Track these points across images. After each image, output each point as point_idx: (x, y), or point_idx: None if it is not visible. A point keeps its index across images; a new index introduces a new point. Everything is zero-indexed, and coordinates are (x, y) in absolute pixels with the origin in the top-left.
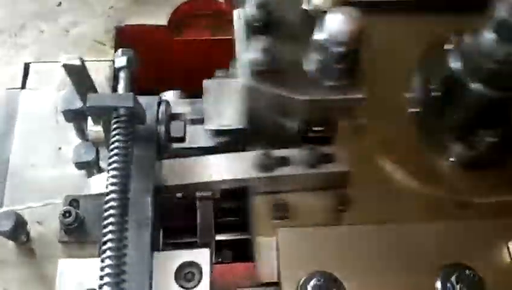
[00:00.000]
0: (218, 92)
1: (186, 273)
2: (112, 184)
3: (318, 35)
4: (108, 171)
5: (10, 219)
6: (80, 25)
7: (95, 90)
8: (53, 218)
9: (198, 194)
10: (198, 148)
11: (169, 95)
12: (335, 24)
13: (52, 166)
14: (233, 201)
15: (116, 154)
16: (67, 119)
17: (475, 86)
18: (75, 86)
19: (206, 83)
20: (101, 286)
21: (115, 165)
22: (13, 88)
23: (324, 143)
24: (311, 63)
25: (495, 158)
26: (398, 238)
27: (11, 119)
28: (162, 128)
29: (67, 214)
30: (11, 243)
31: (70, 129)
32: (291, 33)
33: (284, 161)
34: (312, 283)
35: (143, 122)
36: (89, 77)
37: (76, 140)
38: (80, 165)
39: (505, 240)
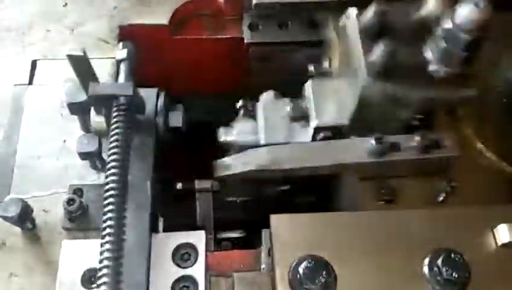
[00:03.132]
0: (321, 91)
1: (183, 253)
2: (112, 167)
3: (447, 24)
4: (108, 156)
5: (17, 206)
6: (84, 24)
7: (96, 81)
8: (58, 206)
9: (197, 186)
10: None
11: (269, 95)
12: (466, 12)
13: (57, 157)
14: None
15: (116, 140)
16: (72, 112)
17: None
18: (78, 76)
19: (308, 83)
20: (100, 264)
21: (114, 150)
22: (21, 84)
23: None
24: (434, 52)
25: None
26: (387, 225)
27: (19, 113)
28: (160, 119)
29: (71, 202)
30: (17, 229)
31: (74, 123)
32: (406, 37)
33: (394, 147)
34: (303, 265)
35: (142, 112)
36: (91, 67)
37: (80, 133)
38: (83, 155)
39: (490, 226)
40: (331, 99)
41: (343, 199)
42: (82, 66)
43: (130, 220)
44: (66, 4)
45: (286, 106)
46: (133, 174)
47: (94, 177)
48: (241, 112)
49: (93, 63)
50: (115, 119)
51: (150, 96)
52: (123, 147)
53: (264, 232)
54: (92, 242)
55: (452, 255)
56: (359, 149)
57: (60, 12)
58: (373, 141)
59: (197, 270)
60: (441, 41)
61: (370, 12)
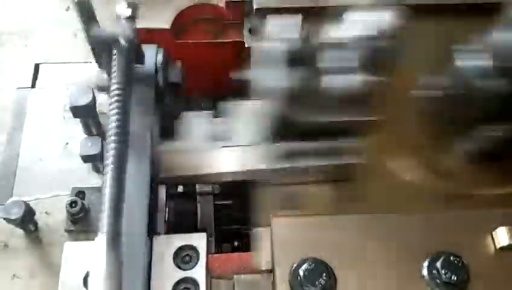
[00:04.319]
0: (236, 113)
1: (184, 255)
2: (115, 114)
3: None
4: (110, 103)
5: (20, 208)
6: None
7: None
8: (60, 209)
9: (198, 189)
10: None
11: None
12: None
13: (59, 160)
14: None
15: (118, 76)
16: (75, 115)
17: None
18: (82, 22)
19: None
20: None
21: (117, 92)
22: (24, 87)
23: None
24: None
25: (499, 152)
26: (387, 227)
27: (21, 116)
28: (160, 73)
29: (73, 204)
30: (20, 231)
31: (76, 125)
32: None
33: (298, 153)
34: (304, 267)
35: (142, 61)
36: (94, 14)
37: (83, 136)
38: (86, 158)
39: (489, 230)
40: (248, 121)
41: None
42: (86, 12)
43: (130, 170)
44: (69, 8)
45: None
46: (133, 125)
47: (96, 180)
48: None
49: (96, 66)
50: (116, 62)
51: (149, 52)
52: (125, 84)
53: (257, 232)
54: (93, 244)
55: (451, 258)
56: (261, 155)
57: (62, 16)
58: (277, 147)
59: (198, 272)
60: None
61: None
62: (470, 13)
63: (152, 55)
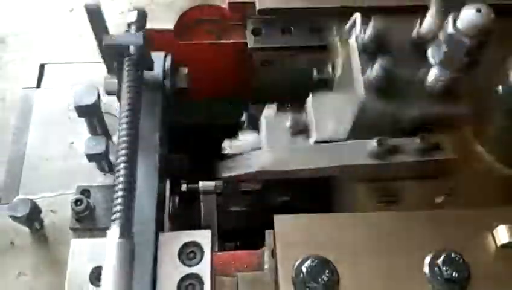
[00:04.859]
0: (321, 106)
1: (189, 252)
2: (126, 116)
3: (450, 29)
4: (120, 108)
5: (26, 206)
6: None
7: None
8: (65, 207)
9: (201, 188)
10: None
11: (271, 109)
12: (469, 17)
13: (64, 159)
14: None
15: (129, 86)
16: (79, 115)
17: None
18: (92, 28)
19: (309, 98)
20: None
21: (128, 100)
22: (29, 87)
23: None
24: (436, 57)
25: None
26: (389, 226)
27: (27, 116)
28: (167, 79)
29: (78, 202)
30: (26, 229)
31: (82, 125)
32: (403, 54)
33: (395, 149)
34: (307, 264)
35: (151, 68)
36: (104, 20)
37: (87, 135)
38: (90, 157)
39: (490, 228)
40: (331, 114)
41: (344, 202)
42: (96, 18)
43: (139, 170)
44: (73, 10)
45: (287, 120)
46: (142, 128)
47: (101, 179)
48: (245, 123)
49: (101, 66)
50: (127, 70)
51: (157, 58)
52: (135, 92)
53: (268, 233)
54: (100, 241)
55: (452, 256)
56: (360, 151)
57: (67, 17)
58: (374, 143)
59: (203, 269)
60: (443, 46)
61: (369, 28)
62: None
63: (160, 63)
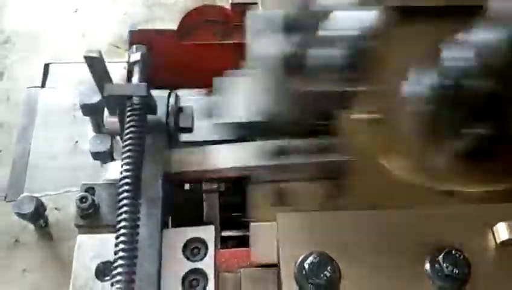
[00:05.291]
0: (231, 88)
1: (193, 248)
2: (127, 164)
3: (330, 31)
4: (122, 153)
5: (31, 203)
6: (95, 29)
7: (111, 82)
8: (70, 205)
9: (204, 187)
10: (206, 141)
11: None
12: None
13: (69, 157)
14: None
15: (130, 138)
16: (84, 113)
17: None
18: (94, 77)
19: (217, 80)
20: (115, 258)
21: (129, 148)
22: (34, 87)
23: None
24: (319, 57)
25: (487, 150)
26: (390, 223)
27: (32, 115)
28: (171, 119)
29: (83, 200)
30: (31, 227)
31: (86, 124)
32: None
33: (287, 150)
34: (309, 260)
35: (155, 112)
36: (106, 68)
37: (92, 134)
38: (95, 155)
39: (489, 224)
40: (245, 95)
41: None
42: (97, 67)
43: (142, 216)
44: (77, 10)
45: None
46: (145, 172)
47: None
48: None
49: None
50: (129, 119)
51: (161, 97)
52: (137, 145)
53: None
54: (105, 237)
55: (453, 252)
56: (254, 151)
57: (71, 17)
58: (266, 144)
59: (207, 264)
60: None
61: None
62: (451, 14)
63: (164, 102)
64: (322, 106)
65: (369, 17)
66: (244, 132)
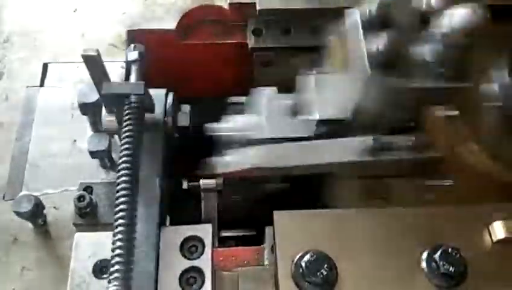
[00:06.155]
0: (317, 86)
1: (190, 246)
2: (124, 162)
3: (439, 28)
4: (120, 152)
5: (29, 202)
6: (94, 29)
7: (109, 81)
8: (68, 204)
9: (202, 185)
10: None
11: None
12: (462, 17)
13: (67, 156)
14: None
15: (127, 137)
16: (83, 112)
17: None
18: (91, 76)
19: (301, 79)
20: (113, 256)
21: (126, 146)
22: (33, 86)
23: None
24: (427, 54)
25: None
26: (387, 221)
27: (31, 114)
28: (169, 118)
29: (81, 198)
30: (29, 225)
31: (84, 123)
32: (407, 29)
33: (387, 147)
34: (306, 258)
35: (152, 110)
36: (103, 67)
37: (90, 133)
38: (94, 154)
39: (485, 223)
40: (333, 93)
41: (337, 198)
42: (95, 66)
43: (140, 214)
44: (76, 10)
45: (287, 100)
46: (143, 171)
47: (103, 176)
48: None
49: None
50: (126, 117)
51: (159, 96)
52: (134, 143)
53: (268, 230)
54: (103, 235)
55: (449, 251)
56: (353, 148)
57: (70, 17)
58: (367, 140)
59: (204, 262)
60: (437, 43)
61: (372, 4)
62: None
63: (162, 101)
64: (416, 103)
65: (465, 15)
66: (333, 129)
